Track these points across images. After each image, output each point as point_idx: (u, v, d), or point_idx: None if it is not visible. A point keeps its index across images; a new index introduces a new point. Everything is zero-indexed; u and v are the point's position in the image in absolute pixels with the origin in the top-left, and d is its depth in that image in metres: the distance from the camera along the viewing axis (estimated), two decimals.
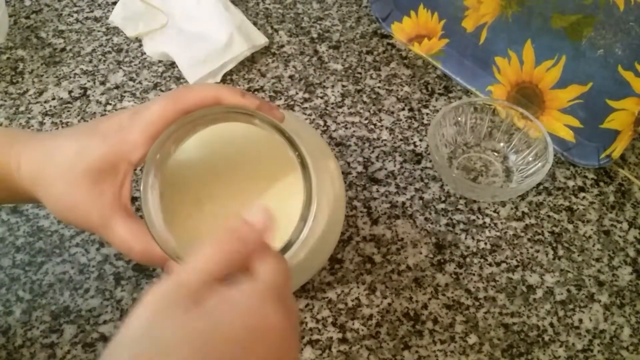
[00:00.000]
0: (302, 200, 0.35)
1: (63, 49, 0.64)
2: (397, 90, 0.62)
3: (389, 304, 0.47)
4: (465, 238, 0.51)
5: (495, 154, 0.56)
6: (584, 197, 0.54)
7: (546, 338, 0.46)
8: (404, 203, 0.53)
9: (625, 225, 0.52)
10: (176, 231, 0.34)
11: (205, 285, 0.26)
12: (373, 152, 0.56)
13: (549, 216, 0.53)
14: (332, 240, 0.43)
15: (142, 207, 0.33)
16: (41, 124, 0.57)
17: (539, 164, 0.51)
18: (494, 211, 0.53)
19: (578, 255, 0.50)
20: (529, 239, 0.51)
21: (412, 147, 0.57)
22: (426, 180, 0.54)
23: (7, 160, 0.35)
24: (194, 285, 0.26)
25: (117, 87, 0.61)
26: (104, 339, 0.44)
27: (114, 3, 0.67)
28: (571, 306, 0.47)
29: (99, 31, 0.66)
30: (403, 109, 0.60)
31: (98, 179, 0.34)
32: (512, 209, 0.53)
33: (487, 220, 0.52)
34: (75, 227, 0.36)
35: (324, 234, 0.39)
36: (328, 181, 0.40)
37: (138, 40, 0.65)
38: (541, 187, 0.54)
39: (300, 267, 0.39)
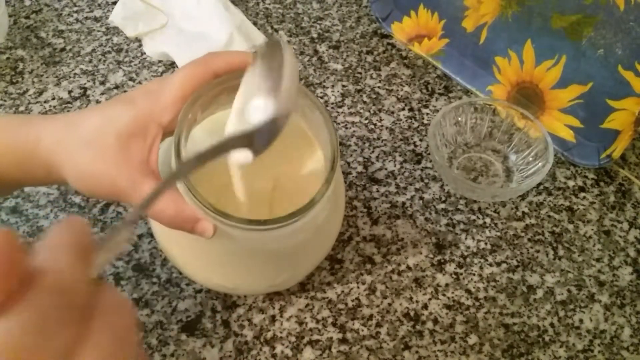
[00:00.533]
0: (313, 172, 0.36)
1: (63, 49, 0.64)
2: (397, 90, 0.62)
3: (389, 304, 0.47)
4: (466, 238, 0.51)
5: (496, 154, 0.56)
6: (584, 197, 0.54)
7: (547, 338, 0.46)
8: (404, 203, 0.53)
9: (625, 226, 0.52)
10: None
11: None
12: (373, 152, 0.56)
13: (549, 216, 0.53)
14: (335, 228, 0.43)
15: (175, 164, 0.33)
16: None
17: (539, 164, 0.51)
18: (494, 211, 0.53)
19: (578, 256, 0.50)
20: (529, 239, 0.51)
21: (412, 147, 0.57)
22: (426, 180, 0.54)
23: (25, 135, 0.35)
24: None
25: (117, 87, 0.61)
26: None
27: (114, 3, 0.67)
28: (571, 306, 0.47)
29: (98, 31, 0.66)
30: (403, 109, 0.60)
31: (127, 144, 0.33)
32: (512, 209, 0.53)
33: (488, 220, 0.52)
34: (98, 197, 0.35)
35: (327, 219, 0.39)
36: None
37: (138, 40, 0.65)
38: (541, 187, 0.54)
39: (309, 247, 0.40)
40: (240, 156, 0.30)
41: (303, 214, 0.33)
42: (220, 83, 0.35)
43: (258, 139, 0.30)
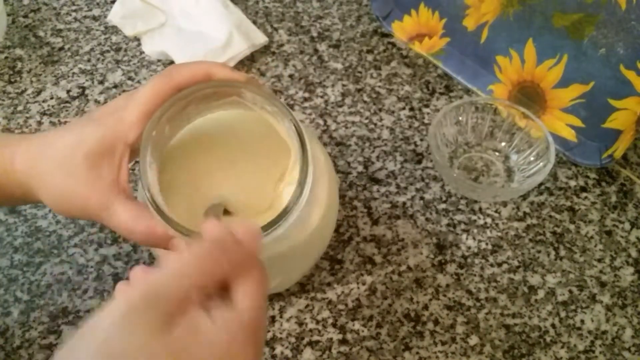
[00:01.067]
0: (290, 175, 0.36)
1: (61, 48, 0.64)
2: (398, 89, 0.61)
3: (390, 305, 0.47)
4: (467, 238, 0.51)
5: (497, 153, 0.56)
6: (585, 197, 0.54)
7: (548, 339, 0.45)
8: (404, 203, 0.53)
9: (627, 226, 0.52)
10: (174, 212, 0.35)
11: (184, 298, 0.24)
12: (373, 151, 0.56)
13: (550, 216, 0.52)
14: (327, 231, 0.43)
15: (142, 184, 0.33)
16: (39, 123, 0.57)
17: (541, 163, 0.51)
18: (495, 211, 0.52)
19: (580, 256, 0.50)
20: (530, 240, 0.51)
21: (412, 146, 0.57)
22: (427, 180, 0.54)
23: (2, 155, 0.35)
24: (173, 294, 0.24)
25: (115, 87, 0.61)
26: None
27: (113, 2, 0.67)
28: (573, 307, 0.47)
29: (97, 30, 0.66)
30: (404, 109, 0.60)
31: (95, 164, 0.34)
32: (513, 209, 0.53)
33: (489, 220, 0.52)
34: (72, 217, 0.36)
35: (322, 217, 0.39)
36: (319, 164, 0.40)
37: (137, 39, 0.65)
38: (543, 187, 0.54)
39: (300, 252, 0.40)
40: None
41: (277, 224, 0.33)
42: (185, 96, 0.35)
43: None
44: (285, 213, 0.34)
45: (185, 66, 0.36)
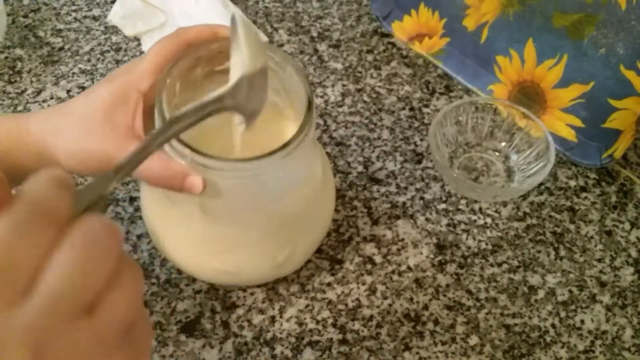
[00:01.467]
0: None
1: (61, 48, 0.64)
2: (398, 89, 0.61)
3: (390, 305, 0.46)
4: (467, 238, 0.51)
5: (497, 153, 0.56)
6: (585, 197, 0.54)
7: (548, 339, 0.45)
8: (404, 203, 0.53)
9: (627, 226, 0.52)
10: None
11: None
12: (373, 151, 0.56)
13: (550, 216, 0.52)
14: (328, 201, 0.44)
15: (157, 120, 0.35)
16: None
17: (541, 163, 0.51)
18: (495, 211, 0.52)
19: (580, 256, 0.50)
20: (530, 240, 0.51)
21: (412, 146, 0.57)
22: (427, 180, 0.54)
23: (14, 125, 0.37)
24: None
25: None
26: None
27: (113, 2, 0.67)
28: (573, 307, 0.47)
29: (97, 30, 0.66)
30: (404, 109, 0.60)
31: (111, 114, 0.35)
32: (513, 209, 0.53)
33: (489, 220, 0.52)
34: (89, 172, 0.37)
35: (318, 190, 0.41)
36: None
37: (137, 39, 0.65)
38: (543, 187, 0.54)
39: (304, 217, 0.41)
40: (237, 121, 0.33)
41: (285, 148, 0.34)
42: (194, 51, 0.37)
43: (238, 98, 0.32)
44: (294, 139, 0.34)
45: (192, 26, 0.38)
